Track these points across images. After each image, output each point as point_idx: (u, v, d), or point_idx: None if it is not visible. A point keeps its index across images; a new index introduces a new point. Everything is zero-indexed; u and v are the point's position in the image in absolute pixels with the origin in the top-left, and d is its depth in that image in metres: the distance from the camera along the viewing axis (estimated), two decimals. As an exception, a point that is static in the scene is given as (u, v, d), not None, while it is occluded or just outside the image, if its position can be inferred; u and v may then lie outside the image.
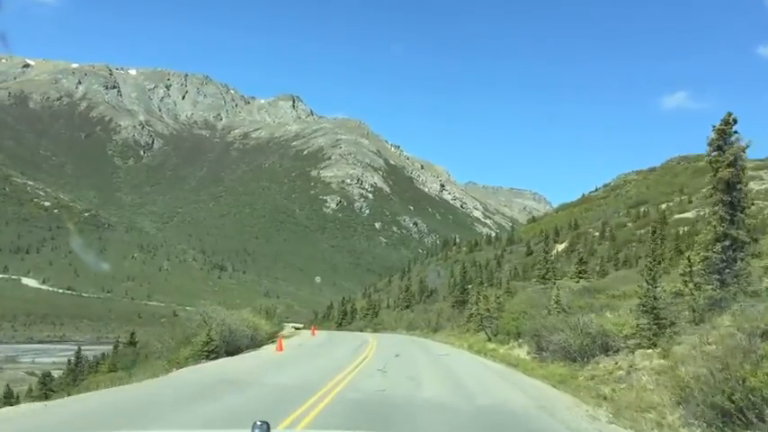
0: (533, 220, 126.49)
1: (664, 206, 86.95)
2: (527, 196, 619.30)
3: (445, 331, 42.91)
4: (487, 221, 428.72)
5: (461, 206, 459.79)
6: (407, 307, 61.57)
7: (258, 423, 3.17)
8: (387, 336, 46.71)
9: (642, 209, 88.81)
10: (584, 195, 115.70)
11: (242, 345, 20.48)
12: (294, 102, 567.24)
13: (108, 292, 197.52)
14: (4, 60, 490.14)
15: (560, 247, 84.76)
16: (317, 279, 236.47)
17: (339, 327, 70.65)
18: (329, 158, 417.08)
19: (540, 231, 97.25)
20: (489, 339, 28.09)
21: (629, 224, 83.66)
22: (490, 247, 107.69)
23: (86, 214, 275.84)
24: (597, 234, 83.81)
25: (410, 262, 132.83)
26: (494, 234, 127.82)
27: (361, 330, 61.91)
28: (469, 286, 49.59)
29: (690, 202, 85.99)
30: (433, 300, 65.07)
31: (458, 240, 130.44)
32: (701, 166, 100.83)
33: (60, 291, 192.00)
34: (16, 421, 9.74)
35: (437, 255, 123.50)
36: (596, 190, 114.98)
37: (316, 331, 48.01)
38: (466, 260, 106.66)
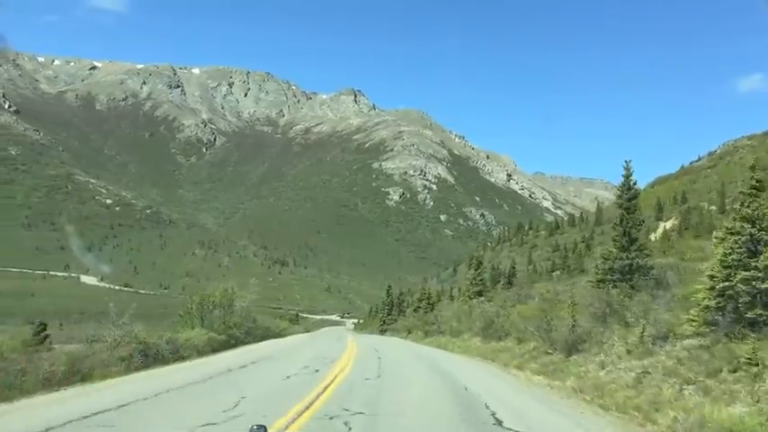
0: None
1: (798, 171, 69.76)
2: (598, 185, 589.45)
3: (612, 351, 13.54)
4: (557, 212, 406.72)
5: (530, 196, 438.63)
6: (480, 294, 37.40)
7: (255, 427, 3.30)
8: (427, 372, 17.38)
9: (769, 176, 71.65)
10: (683, 167, 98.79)
11: None
12: (356, 96, 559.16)
13: (165, 289, 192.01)
14: (72, 63, 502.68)
15: (667, 224, 69.22)
16: None
17: (382, 327, 56.74)
18: (391, 150, 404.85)
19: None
20: None
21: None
22: (574, 229, 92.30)
23: (148, 211, 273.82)
24: (714, 208, 67.51)
25: (479, 247, 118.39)
26: (578, 214, 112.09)
27: (409, 333, 45.19)
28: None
29: (834, 164, 68.68)
30: (520, 283, 42.00)
31: (533, 225, 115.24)
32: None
33: (117, 288, 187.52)
34: None
35: (510, 240, 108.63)
36: (699, 159, 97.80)
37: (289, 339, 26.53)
38: (545, 244, 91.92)
